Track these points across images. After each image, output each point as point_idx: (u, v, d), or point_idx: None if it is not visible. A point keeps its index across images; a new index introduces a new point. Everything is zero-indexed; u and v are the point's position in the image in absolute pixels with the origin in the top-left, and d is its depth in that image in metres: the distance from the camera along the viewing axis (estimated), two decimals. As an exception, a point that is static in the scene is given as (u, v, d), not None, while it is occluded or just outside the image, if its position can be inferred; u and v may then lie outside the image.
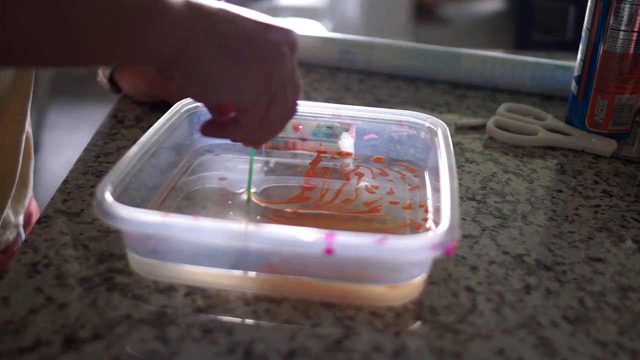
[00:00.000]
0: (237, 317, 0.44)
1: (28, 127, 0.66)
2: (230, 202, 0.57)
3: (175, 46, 0.41)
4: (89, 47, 0.40)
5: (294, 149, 0.64)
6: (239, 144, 0.54)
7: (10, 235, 0.65)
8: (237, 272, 0.46)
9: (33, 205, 0.73)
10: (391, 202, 0.57)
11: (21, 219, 0.67)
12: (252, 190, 0.58)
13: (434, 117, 0.61)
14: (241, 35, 0.43)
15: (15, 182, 0.63)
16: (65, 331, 0.42)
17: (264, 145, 0.63)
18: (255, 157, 0.64)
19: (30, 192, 0.69)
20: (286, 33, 0.45)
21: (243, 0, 0.48)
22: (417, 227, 0.54)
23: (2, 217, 0.62)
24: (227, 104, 0.49)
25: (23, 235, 0.68)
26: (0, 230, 0.63)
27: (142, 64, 0.46)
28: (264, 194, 0.58)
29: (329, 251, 0.41)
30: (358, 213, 0.56)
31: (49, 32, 0.38)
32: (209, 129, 0.50)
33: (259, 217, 0.55)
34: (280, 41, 0.44)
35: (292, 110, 0.48)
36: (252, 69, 0.43)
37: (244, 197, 0.57)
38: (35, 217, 0.73)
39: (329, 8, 2.89)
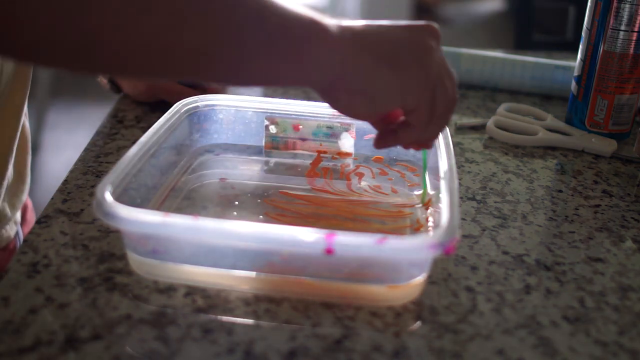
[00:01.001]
0: (237, 317, 0.44)
1: (25, 121, 0.66)
2: (230, 202, 0.57)
3: (335, 67, 0.44)
4: (255, 67, 0.42)
5: (294, 149, 0.64)
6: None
7: (10, 231, 0.65)
8: (237, 272, 0.46)
9: (28, 200, 0.73)
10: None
11: (19, 215, 0.67)
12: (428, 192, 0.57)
13: (434, 117, 0.60)
14: (390, 42, 0.46)
15: (8, 176, 0.63)
16: (65, 331, 0.42)
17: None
18: (255, 158, 0.64)
19: (27, 188, 0.69)
20: (427, 28, 0.47)
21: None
22: (417, 228, 0.54)
23: None
24: (393, 111, 0.50)
25: (20, 233, 0.68)
26: None
27: (304, 85, 0.48)
28: (264, 194, 0.58)
29: (329, 251, 0.41)
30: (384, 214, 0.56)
31: (222, 48, 0.40)
32: (382, 141, 0.52)
33: (261, 216, 0.55)
34: (425, 36, 0.47)
35: (454, 98, 0.49)
36: (409, 69, 0.45)
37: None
38: (30, 212, 0.73)
39: (329, 8, 2.89)
